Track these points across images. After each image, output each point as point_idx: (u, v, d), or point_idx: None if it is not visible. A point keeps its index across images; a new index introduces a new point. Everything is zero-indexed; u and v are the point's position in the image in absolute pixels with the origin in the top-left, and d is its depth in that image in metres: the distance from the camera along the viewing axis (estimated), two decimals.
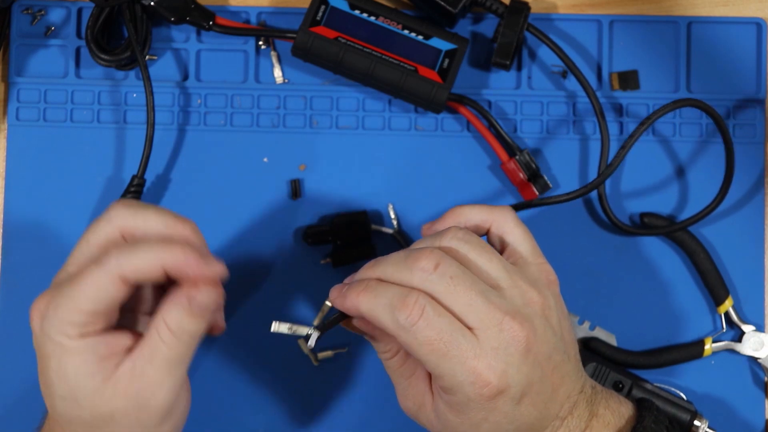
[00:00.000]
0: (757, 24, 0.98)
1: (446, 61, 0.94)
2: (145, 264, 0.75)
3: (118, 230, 0.78)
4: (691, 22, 0.98)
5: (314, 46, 0.93)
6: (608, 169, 0.92)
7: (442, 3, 0.94)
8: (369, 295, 0.78)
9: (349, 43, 0.93)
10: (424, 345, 0.76)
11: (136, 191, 0.95)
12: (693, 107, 0.93)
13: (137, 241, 0.77)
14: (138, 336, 0.78)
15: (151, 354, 0.76)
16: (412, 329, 0.76)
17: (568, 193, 0.93)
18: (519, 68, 0.98)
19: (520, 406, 0.77)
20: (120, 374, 0.76)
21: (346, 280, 0.82)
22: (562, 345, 0.80)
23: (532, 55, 0.98)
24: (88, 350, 0.76)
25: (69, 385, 0.76)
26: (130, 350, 0.77)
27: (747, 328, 0.96)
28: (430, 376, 0.81)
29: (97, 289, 0.75)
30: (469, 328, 0.76)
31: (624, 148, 0.92)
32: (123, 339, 0.78)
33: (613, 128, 0.97)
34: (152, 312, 0.79)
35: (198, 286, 0.76)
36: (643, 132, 0.91)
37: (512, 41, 0.94)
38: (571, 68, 0.95)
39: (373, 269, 0.80)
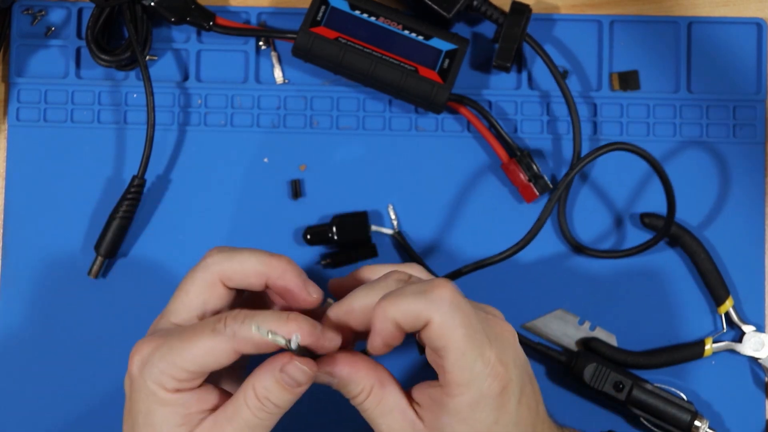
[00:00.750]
0: (757, 24, 0.98)
1: (447, 61, 0.94)
2: (259, 340, 0.76)
3: (216, 276, 0.79)
4: (691, 23, 0.98)
5: (314, 47, 0.93)
6: (543, 214, 0.92)
7: (436, 7, 0.94)
8: (390, 299, 0.76)
9: (349, 43, 0.93)
10: (460, 327, 0.74)
11: (136, 192, 0.95)
12: (627, 151, 0.92)
13: (254, 312, 0.77)
14: (224, 394, 0.79)
15: (233, 415, 0.77)
16: (453, 303, 0.74)
17: (501, 253, 0.93)
18: (519, 69, 0.98)
19: (520, 406, 0.77)
20: (200, 429, 0.77)
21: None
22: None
23: (533, 56, 0.97)
24: (179, 404, 0.77)
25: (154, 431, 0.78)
26: (215, 408, 0.78)
27: (747, 329, 0.96)
28: (410, 401, 0.79)
29: (208, 354, 0.76)
30: None
31: (558, 190, 0.92)
32: (212, 396, 0.79)
33: (613, 129, 0.97)
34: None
35: (293, 359, 0.76)
36: (573, 176, 0.92)
37: (513, 43, 0.94)
38: (556, 77, 0.95)
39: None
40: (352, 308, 0.78)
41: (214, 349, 0.76)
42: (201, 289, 0.80)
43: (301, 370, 0.75)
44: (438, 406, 0.77)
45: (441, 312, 0.74)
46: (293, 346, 0.73)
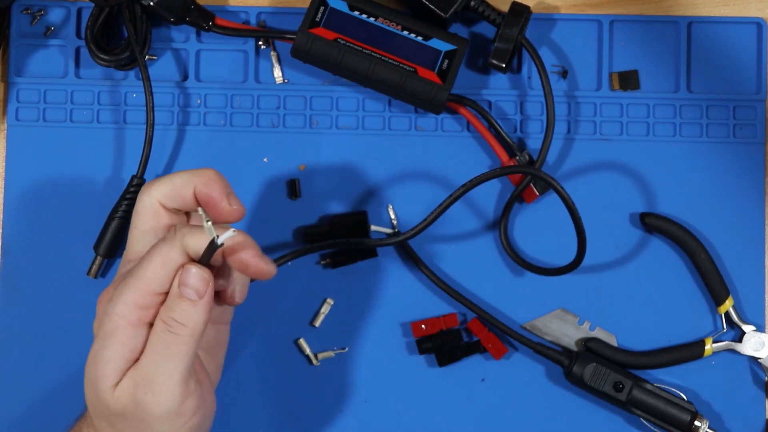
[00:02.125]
0: (757, 24, 0.98)
1: (446, 62, 0.94)
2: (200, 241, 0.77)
3: (155, 200, 0.82)
4: (691, 22, 0.98)
5: (313, 48, 0.93)
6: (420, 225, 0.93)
7: (433, 7, 0.94)
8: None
9: (348, 44, 0.93)
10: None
11: (135, 191, 0.95)
12: (524, 174, 0.93)
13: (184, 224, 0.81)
14: None
15: (147, 351, 0.78)
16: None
17: None
18: (519, 69, 0.98)
19: None
20: (128, 371, 0.78)
21: None
22: None
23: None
24: (129, 342, 0.78)
25: (97, 373, 0.78)
26: None
27: (747, 328, 0.96)
28: None
29: (164, 264, 0.77)
30: None
31: (440, 207, 0.92)
32: None
33: (614, 128, 0.97)
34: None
35: (186, 267, 0.77)
36: (459, 196, 0.91)
37: (509, 44, 0.94)
38: (542, 78, 0.95)
39: None
40: None
41: (167, 258, 0.77)
42: (146, 218, 0.82)
43: (196, 274, 0.77)
44: None
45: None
46: (219, 241, 0.75)
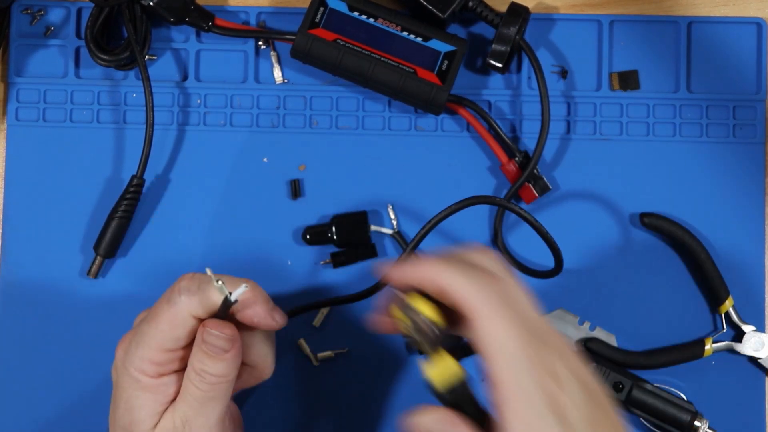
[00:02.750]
0: (757, 24, 0.98)
1: (445, 62, 0.94)
2: (214, 296, 0.78)
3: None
4: (691, 22, 0.98)
5: (313, 49, 0.93)
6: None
7: (431, 8, 0.94)
8: (450, 266, 0.72)
9: (347, 45, 0.93)
10: (502, 326, 0.70)
11: (135, 191, 0.95)
12: (484, 204, 0.92)
13: (202, 274, 0.80)
14: None
15: (183, 392, 0.80)
16: (503, 296, 0.71)
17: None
18: (519, 69, 0.98)
19: (583, 418, 0.71)
20: (166, 413, 0.80)
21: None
22: None
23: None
24: (159, 389, 0.80)
25: (132, 418, 0.80)
26: None
27: (747, 328, 0.96)
28: None
29: (172, 325, 0.78)
30: None
31: (416, 239, 0.92)
32: None
33: (613, 128, 0.97)
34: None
35: (207, 325, 0.78)
36: (430, 230, 0.91)
37: (507, 45, 0.94)
38: (539, 81, 0.95)
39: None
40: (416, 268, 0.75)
41: (174, 320, 0.78)
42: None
43: (215, 335, 0.77)
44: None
45: (487, 303, 0.70)
46: (233, 298, 0.76)
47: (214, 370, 0.78)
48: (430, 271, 0.72)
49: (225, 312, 0.78)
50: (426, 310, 0.71)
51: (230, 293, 0.77)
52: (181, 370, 0.80)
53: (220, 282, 0.76)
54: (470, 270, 0.72)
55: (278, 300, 0.95)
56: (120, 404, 0.80)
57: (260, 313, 0.80)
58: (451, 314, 0.73)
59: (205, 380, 0.78)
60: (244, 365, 0.83)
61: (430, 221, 0.91)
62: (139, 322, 0.83)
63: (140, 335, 0.79)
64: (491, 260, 0.76)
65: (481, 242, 0.97)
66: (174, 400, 0.80)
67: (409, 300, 0.72)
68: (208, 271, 0.77)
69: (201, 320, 0.79)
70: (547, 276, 0.93)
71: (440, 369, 0.70)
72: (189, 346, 0.80)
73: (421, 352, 0.72)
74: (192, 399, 0.79)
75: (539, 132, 0.95)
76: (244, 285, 0.76)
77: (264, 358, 0.84)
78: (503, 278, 0.73)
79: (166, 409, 0.80)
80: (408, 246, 0.93)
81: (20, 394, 0.95)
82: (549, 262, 0.93)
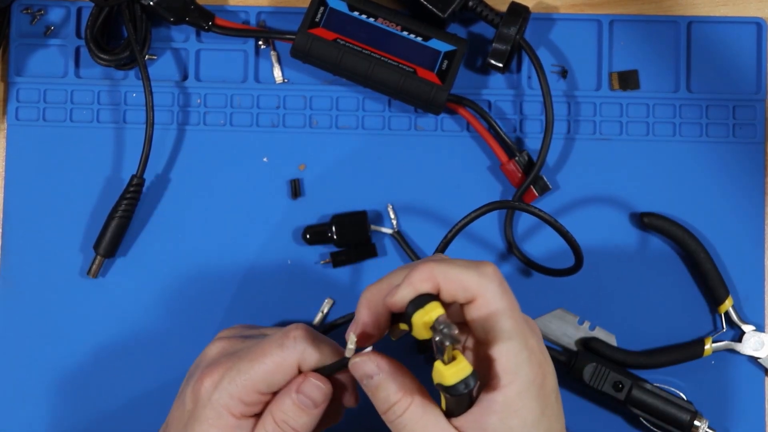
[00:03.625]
0: (757, 24, 0.98)
1: (445, 62, 0.93)
2: (326, 354, 0.78)
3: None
4: (691, 22, 0.98)
5: (313, 48, 0.93)
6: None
7: (431, 7, 0.94)
8: (437, 262, 0.75)
9: (347, 44, 0.93)
10: (508, 310, 0.74)
11: (135, 191, 0.95)
12: (504, 209, 0.93)
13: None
14: None
15: None
16: (502, 284, 0.74)
17: None
18: (519, 69, 0.98)
19: (558, 399, 0.77)
20: None
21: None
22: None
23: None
24: (235, 430, 0.79)
25: None
26: None
27: (747, 328, 0.96)
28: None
29: (277, 369, 0.78)
30: None
31: (440, 247, 0.92)
32: None
33: (613, 128, 0.97)
34: None
35: (310, 376, 0.78)
36: (452, 239, 0.91)
37: (508, 44, 0.94)
38: (541, 80, 0.95)
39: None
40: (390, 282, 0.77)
41: (282, 365, 0.78)
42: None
43: (316, 387, 0.77)
44: (481, 410, 0.74)
45: (491, 289, 0.74)
46: (353, 361, 0.75)
47: (296, 423, 0.78)
48: (431, 272, 0.74)
49: (334, 371, 0.78)
50: (437, 313, 0.73)
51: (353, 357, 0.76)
52: (258, 416, 0.80)
53: (353, 346, 0.75)
54: (472, 265, 0.75)
55: (278, 300, 0.96)
56: None
57: (349, 384, 0.80)
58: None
59: (282, 430, 0.78)
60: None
61: (451, 230, 0.91)
62: (220, 351, 0.82)
63: (237, 372, 0.78)
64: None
65: (491, 243, 0.97)
66: None
67: (433, 307, 0.73)
68: (351, 336, 0.75)
69: (298, 373, 0.79)
70: (567, 274, 0.93)
71: (455, 370, 0.71)
72: (275, 394, 0.79)
73: (434, 354, 0.73)
74: None
75: (543, 131, 0.95)
76: (370, 349, 0.76)
77: (339, 411, 0.83)
78: (496, 270, 0.75)
79: None
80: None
81: (20, 393, 0.95)
82: (555, 263, 0.94)
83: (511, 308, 0.74)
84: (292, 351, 0.78)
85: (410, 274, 0.74)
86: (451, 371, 0.71)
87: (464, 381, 0.71)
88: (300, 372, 0.79)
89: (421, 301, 0.73)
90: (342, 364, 0.77)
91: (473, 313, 0.74)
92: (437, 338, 0.70)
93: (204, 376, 0.80)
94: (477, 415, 0.74)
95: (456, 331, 0.70)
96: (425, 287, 0.73)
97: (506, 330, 0.73)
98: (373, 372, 0.75)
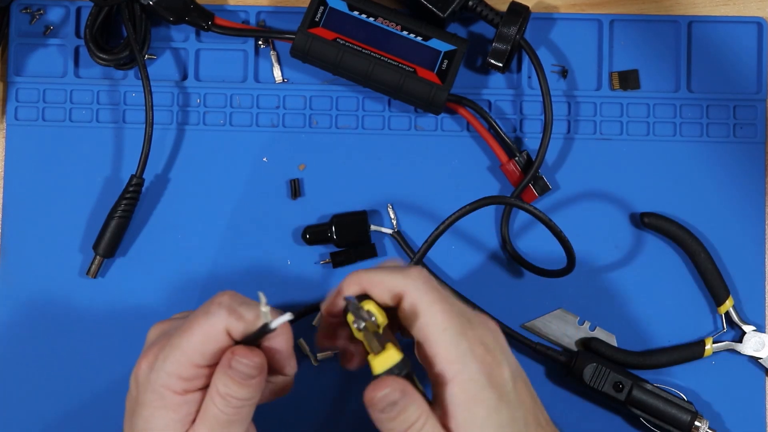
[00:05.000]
0: (757, 23, 0.98)
1: (445, 62, 0.93)
2: (252, 319, 0.77)
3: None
4: (691, 22, 0.98)
5: (313, 48, 0.93)
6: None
7: (431, 6, 0.94)
8: (368, 269, 0.79)
9: (347, 44, 0.93)
10: (437, 302, 0.76)
11: (134, 191, 0.95)
12: (496, 204, 0.92)
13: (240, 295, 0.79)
14: None
15: (204, 413, 0.78)
16: (425, 286, 0.77)
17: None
18: (519, 68, 0.98)
19: (518, 388, 0.78)
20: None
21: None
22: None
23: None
24: (183, 408, 0.77)
25: None
26: None
27: (748, 328, 0.95)
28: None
29: (207, 338, 0.77)
30: None
31: (430, 240, 0.92)
32: None
33: (614, 128, 0.97)
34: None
35: (235, 353, 0.76)
36: (443, 232, 0.91)
37: (508, 44, 0.94)
38: (540, 80, 0.95)
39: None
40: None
41: (210, 333, 0.76)
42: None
43: (244, 364, 0.76)
44: (445, 409, 0.76)
45: (415, 286, 0.77)
46: (273, 325, 0.75)
47: (239, 394, 0.76)
48: (359, 278, 0.79)
49: (258, 338, 0.77)
50: (370, 307, 0.77)
51: (272, 321, 0.75)
52: (204, 388, 0.78)
53: (267, 307, 0.75)
54: (397, 268, 0.79)
55: (278, 300, 0.96)
56: (138, 422, 0.78)
57: (284, 351, 0.79)
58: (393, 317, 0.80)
59: (229, 404, 0.76)
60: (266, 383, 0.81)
61: (443, 222, 0.91)
62: (156, 335, 0.81)
63: (170, 348, 0.77)
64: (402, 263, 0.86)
65: (491, 242, 0.97)
66: (194, 420, 0.78)
67: (358, 303, 0.77)
68: (261, 296, 0.75)
69: (232, 340, 0.77)
70: (558, 275, 0.93)
71: (382, 358, 0.75)
72: (214, 365, 0.78)
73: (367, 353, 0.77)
74: (214, 421, 0.77)
75: (542, 131, 0.95)
76: (289, 314, 0.75)
77: (286, 379, 0.82)
78: (422, 270, 0.79)
79: (187, 430, 0.78)
80: (422, 247, 0.92)
81: (20, 393, 0.95)
82: (552, 262, 0.94)
83: (439, 301, 0.76)
84: (218, 318, 0.76)
85: (340, 283, 0.79)
86: (378, 360, 0.75)
87: (390, 370, 0.75)
88: (231, 338, 0.77)
89: (354, 302, 0.77)
90: (264, 330, 0.76)
91: (404, 312, 0.77)
92: (354, 325, 0.75)
93: (141, 360, 0.79)
94: (442, 416, 0.76)
95: (366, 315, 0.75)
96: (353, 290, 0.79)
97: (437, 323, 0.76)
98: (397, 398, 0.76)
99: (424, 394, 0.77)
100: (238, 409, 0.77)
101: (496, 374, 0.76)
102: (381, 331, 0.78)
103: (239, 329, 0.76)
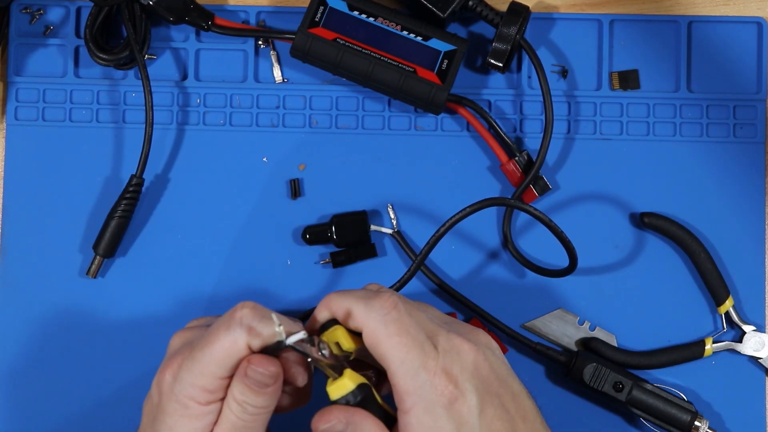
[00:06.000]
0: (757, 23, 0.98)
1: (445, 62, 0.93)
2: (271, 334, 0.78)
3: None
4: (691, 22, 0.98)
5: (313, 48, 0.93)
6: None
7: (431, 6, 0.94)
8: (340, 293, 0.80)
9: (347, 44, 0.93)
10: (394, 335, 0.77)
11: (134, 191, 0.95)
12: (497, 206, 0.93)
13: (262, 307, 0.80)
14: None
15: (222, 420, 0.79)
16: (385, 317, 0.77)
17: None
18: (519, 68, 0.98)
19: (486, 418, 0.78)
20: None
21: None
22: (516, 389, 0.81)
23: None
24: (207, 417, 0.79)
25: None
26: None
27: (747, 328, 0.95)
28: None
29: (228, 352, 0.77)
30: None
31: (431, 241, 0.92)
32: None
33: (614, 128, 0.97)
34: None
35: (251, 362, 0.77)
36: (444, 233, 0.91)
37: (508, 44, 0.94)
38: (541, 81, 0.95)
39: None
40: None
41: (231, 348, 0.77)
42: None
43: (259, 373, 0.77)
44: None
45: (376, 317, 0.78)
46: (289, 342, 0.76)
47: (255, 401, 0.77)
48: (328, 302, 0.80)
49: (274, 352, 0.78)
50: (338, 333, 0.79)
51: (286, 337, 0.76)
52: (224, 398, 0.79)
53: (281, 327, 0.76)
54: (365, 296, 0.80)
55: (278, 300, 0.96)
56: (162, 429, 0.79)
57: (296, 363, 0.80)
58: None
59: (246, 411, 0.78)
60: (283, 393, 0.82)
61: (444, 224, 0.91)
62: (179, 344, 0.82)
63: (192, 361, 0.78)
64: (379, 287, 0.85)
65: (492, 242, 0.97)
66: (213, 429, 0.79)
67: (332, 330, 0.80)
68: (274, 316, 0.77)
69: (251, 351, 0.78)
70: (560, 275, 0.93)
71: (335, 386, 0.78)
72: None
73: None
74: (232, 427, 0.78)
75: (543, 131, 0.95)
76: (302, 332, 0.76)
77: (303, 389, 0.83)
78: (392, 295, 0.79)
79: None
80: (422, 249, 0.92)
81: (19, 393, 0.95)
82: (552, 261, 0.94)
83: (398, 333, 0.77)
84: (239, 333, 0.77)
85: (318, 304, 0.81)
86: (332, 388, 0.78)
87: (345, 397, 0.77)
88: (251, 350, 0.78)
89: (326, 325, 0.80)
90: (278, 347, 0.77)
91: (366, 340, 0.78)
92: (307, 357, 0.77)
93: (165, 368, 0.80)
94: None
95: (313, 349, 0.77)
96: (323, 316, 0.80)
97: (394, 356, 0.77)
98: (342, 430, 0.78)
99: (388, 416, 0.78)
100: (254, 416, 0.78)
101: (457, 405, 0.77)
102: (353, 356, 0.79)
103: (257, 345, 0.78)
